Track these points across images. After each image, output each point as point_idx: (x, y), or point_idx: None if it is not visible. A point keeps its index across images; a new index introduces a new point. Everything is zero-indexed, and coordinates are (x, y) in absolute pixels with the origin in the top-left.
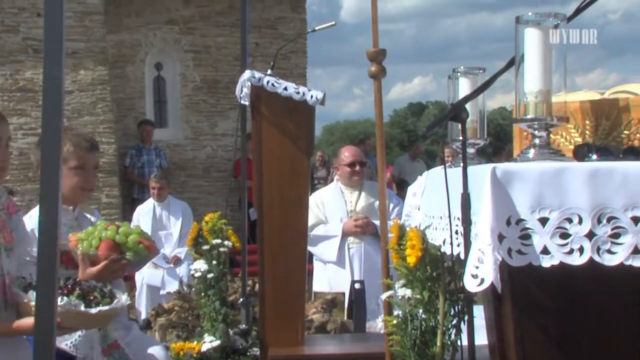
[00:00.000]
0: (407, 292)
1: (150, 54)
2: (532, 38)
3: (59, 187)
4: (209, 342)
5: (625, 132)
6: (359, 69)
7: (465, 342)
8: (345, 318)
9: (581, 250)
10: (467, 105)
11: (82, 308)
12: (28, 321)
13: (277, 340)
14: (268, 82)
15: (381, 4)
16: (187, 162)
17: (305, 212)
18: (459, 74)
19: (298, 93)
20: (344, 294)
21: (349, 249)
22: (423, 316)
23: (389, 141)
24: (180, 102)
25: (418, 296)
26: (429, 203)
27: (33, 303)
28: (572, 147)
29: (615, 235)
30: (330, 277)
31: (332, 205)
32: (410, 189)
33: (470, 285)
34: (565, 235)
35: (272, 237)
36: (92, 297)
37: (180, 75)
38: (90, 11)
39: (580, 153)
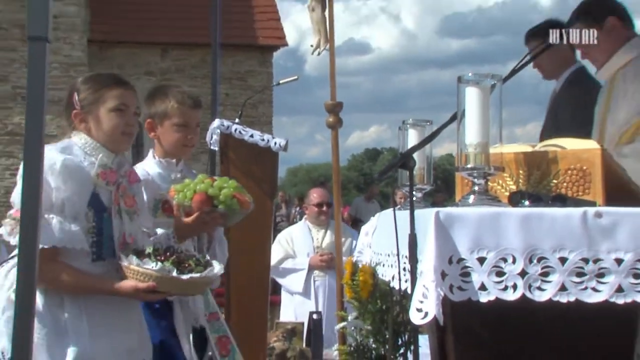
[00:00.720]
0: (359, 324)
1: None
2: (471, 96)
3: (39, 231)
4: None
5: (554, 181)
6: (321, 118)
7: None
8: (304, 346)
9: (515, 287)
10: (415, 154)
11: (174, 274)
12: (127, 284)
13: None
14: (236, 130)
15: (341, 59)
16: None
17: (268, 249)
18: (408, 126)
19: (263, 140)
20: (303, 323)
21: (314, 281)
22: (373, 345)
23: (346, 183)
24: None
25: (369, 327)
26: (380, 242)
27: (132, 266)
28: (507, 193)
29: (545, 274)
30: (296, 307)
31: (300, 241)
32: (364, 228)
33: (416, 318)
34: (500, 274)
35: (238, 272)
36: (186, 265)
37: None
38: (75, 63)
39: (515, 199)
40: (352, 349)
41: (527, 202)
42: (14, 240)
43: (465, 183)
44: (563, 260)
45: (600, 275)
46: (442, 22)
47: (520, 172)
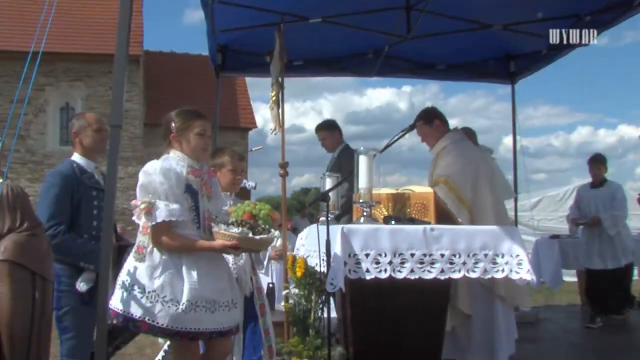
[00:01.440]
0: (296, 291)
1: None
2: (362, 160)
3: (111, 223)
4: None
5: (408, 209)
6: (276, 170)
7: (325, 316)
8: None
9: (385, 270)
10: (330, 193)
11: (250, 235)
12: (218, 242)
13: None
14: None
15: (288, 136)
16: None
17: None
18: (326, 176)
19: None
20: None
21: (272, 266)
22: (304, 303)
23: (290, 207)
24: None
25: (301, 293)
26: (309, 244)
27: (222, 231)
28: (382, 217)
29: (402, 263)
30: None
31: None
32: (300, 235)
33: (329, 288)
34: (378, 263)
35: None
36: (257, 230)
37: None
38: (136, 136)
39: (387, 220)
40: (292, 305)
41: (393, 222)
42: (138, 220)
43: (358, 210)
44: (412, 255)
45: (432, 263)
46: (346, 115)
47: (390, 204)
